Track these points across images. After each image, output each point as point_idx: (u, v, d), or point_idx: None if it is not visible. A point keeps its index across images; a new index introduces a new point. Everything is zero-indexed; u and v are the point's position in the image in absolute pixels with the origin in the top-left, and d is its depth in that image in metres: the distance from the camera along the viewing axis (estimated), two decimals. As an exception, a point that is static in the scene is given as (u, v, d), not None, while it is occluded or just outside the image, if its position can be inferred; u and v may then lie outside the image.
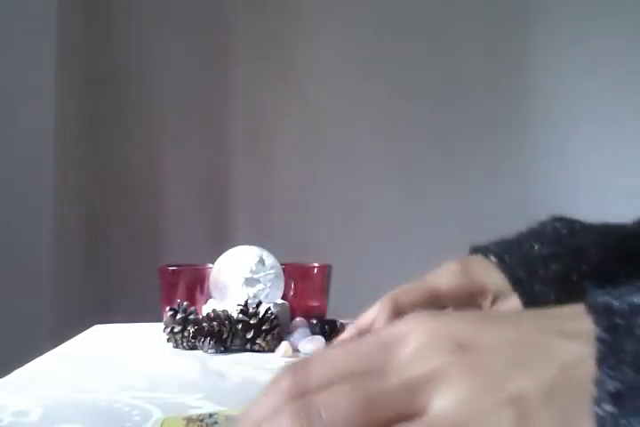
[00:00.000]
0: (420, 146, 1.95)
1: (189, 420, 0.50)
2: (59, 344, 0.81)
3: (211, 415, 0.51)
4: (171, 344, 0.81)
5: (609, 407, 0.24)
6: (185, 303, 0.84)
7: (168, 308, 0.84)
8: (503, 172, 1.93)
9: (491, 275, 0.58)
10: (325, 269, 0.95)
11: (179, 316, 0.81)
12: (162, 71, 1.91)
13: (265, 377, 0.66)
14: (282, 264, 0.91)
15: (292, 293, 0.92)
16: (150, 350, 0.80)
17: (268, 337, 0.78)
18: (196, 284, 0.93)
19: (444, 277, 0.59)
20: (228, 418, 0.50)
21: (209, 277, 0.90)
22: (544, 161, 1.92)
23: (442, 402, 0.25)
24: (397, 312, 0.58)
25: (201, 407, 0.54)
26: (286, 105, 1.96)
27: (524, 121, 1.96)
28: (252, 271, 0.89)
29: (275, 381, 0.27)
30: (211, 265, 0.91)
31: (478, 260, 0.60)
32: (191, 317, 0.82)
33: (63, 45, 1.66)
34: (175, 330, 0.80)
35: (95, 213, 1.87)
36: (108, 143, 1.89)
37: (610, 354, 0.24)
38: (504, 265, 0.58)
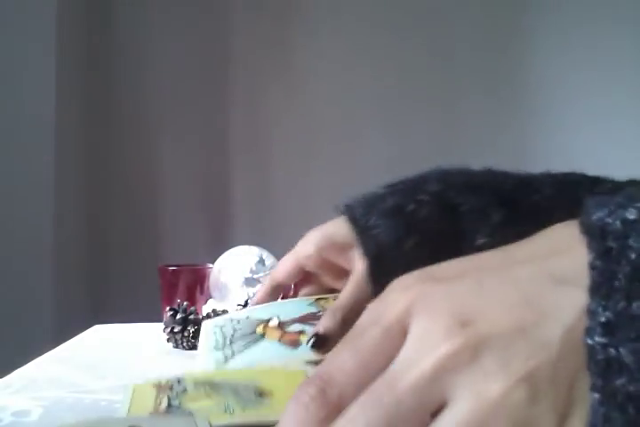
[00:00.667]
0: (421, 145, 1.95)
1: (159, 387, 0.50)
2: (59, 344, 0.81)
3: (179, 381, 0.51)
4: (171, 344, 0.81)
5: (599, 338, 0.23)
6: (185, 303, 0.84)
7: (168, 308, 0.84)
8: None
9: (340, 229, 0.60)
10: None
11: (179, 316, 0.81)
12: (162, 71, 1.91)
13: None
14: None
15: (291, 293, 0.92)
16: (150, 350, 0.80)
17: (268, 337, 0.78)
18: (196, 284, 0.93)
19: (307, 243, 0.63)
20: (196, 383, 0.50)
21: (209, 277, 0.90)
22: (544, 158, 1.92)
23: (459, 396, 0.24)
24: (276, 289, 0.66)
25: (201, 407, 0.54)
26: (286, 105, 1.96)
27: (522, 118, 1.96)
28: (251, 271, 0.89)
29: (294, 399, 0.26)
30: (211, 265, 0.91)
31: (334, 218, 0.62)
32: (191, 317, 0.82)
33: (64, 46, 1.66)
34: (175, 330, 0.80)
35: (95, 214, 1.87)
36: (109, 143, 1.89)
37: (603, 282, 0.24)
38: (348, 210, 0.59)
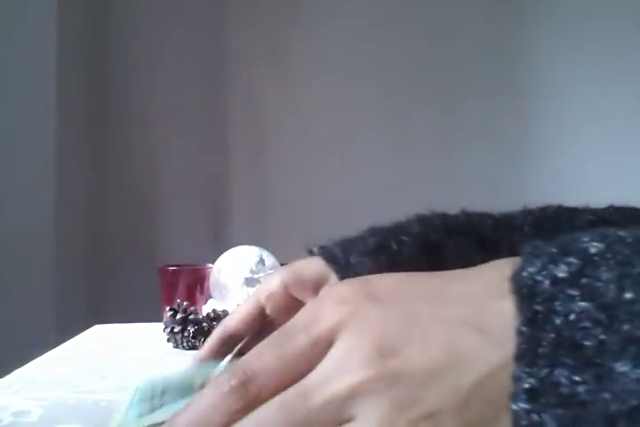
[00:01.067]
0: (420, 144, 1.95)
1: None
2: (59, 344, 0.81)
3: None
4: (171, 344, 0.81)
5: (523, 404, 0.24)
6: (185, 303, 0.84)
7: (168, 308, 0.84)
8: (501, 169, 1.93)
9: (310, 264, 0.54)
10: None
11: (179, 316, 0.81)
12: (161, 71, 1.91)
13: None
14: (282, 264, 0.91)
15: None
16: (150, 350, 0.80)
17: (268, 337, 0.78)
18: (196, 284, 0.93)
19: (271, 280, 0.55)
20: None
21: (209, 277, 0.90)
22: (541, 156, 1.92)
23: (363, 420, 0.25)
24: (227, 341, 0.54)
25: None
26: (286, 105, 1.96)
27: (521, 118, 1.96)
28: (252, 271, 0.89)
29: (213, 385, 0.28)
30: (211, 265, 0.91)
31: (303, 259, 0.57)
32: (191, 317, 0.82)
33: (64, 47, 1.66)
34: (175, 330, 0.80)
35: (95, 214, 1.87)
36: (109, 143, 1.89)
37: (527, 349, 0.25)
38: (322, 250, 0.55)
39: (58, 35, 1.63)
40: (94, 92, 1.87)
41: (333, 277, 0.52)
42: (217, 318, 0.79)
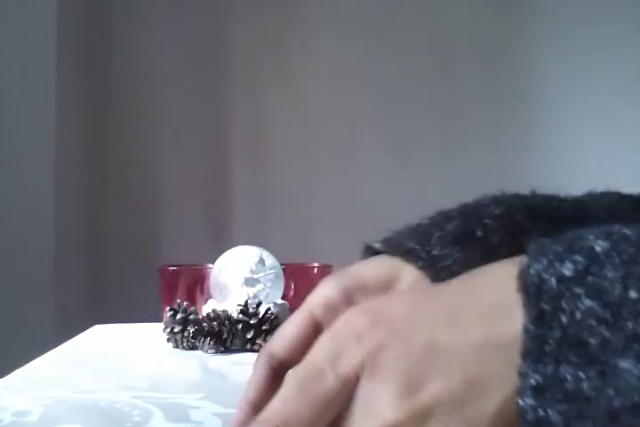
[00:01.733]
0: (420, 144, 1.95)
1: None
2: (58, 344, 0.81)
3: None
4: (171, 344, 0.81)
5: (529, 400, 0.25)
6: (185, 303, 0.84)
7: (168, 308, 0.84)
8: (502, 171, 1.93)
9: (369, 265, 0.45)
10: (325, 269, 0.95)
11: (179, 316, 0.81)
12: (161, 71, 1.91)
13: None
14: (282, 264, 0.91)
15: (292, 293, 0.92)
16: (150, 350, 0.80)
17: (268, 337, 0.78)
18: (196, 284, 0.93)
19: (326, 286, 0.45)
20: None
21: (209, 277, 0.90)
22: (543, 155, 1.92)
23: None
24: (278, 370, 0.42)
25: (201, 408, 0.54)
26: (287, 105, 1.96)
27: (522, 125, 1.96)
28: (252, 271, 0.89)
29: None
30: (211, 265, 0.91)
31: (360, 262, 0.47)
32: (191, 317, 0.82)
33: (63, 47, 1.66)
34: (175, 330, 0.80)
35: (95, 213, 1.87)
36: (109, 143, 1.89)
37: (534, 347, 0.25)
38: (391, 245, 0.45)
39: (58, 35, 1.63)
40: (94, 93, 1.87)
41: (406, 275, 0.43)
42: (217, 317, 0.79)
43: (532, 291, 0.26)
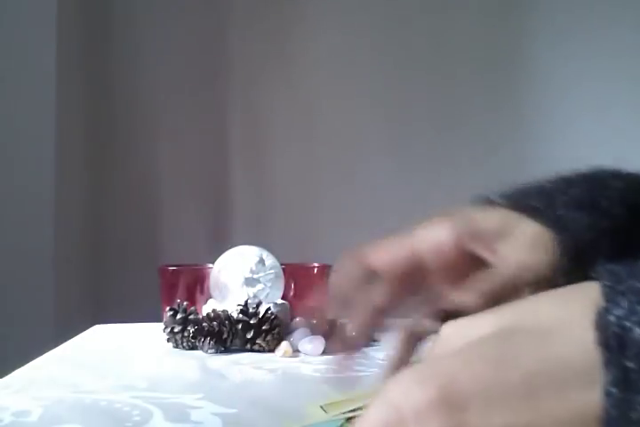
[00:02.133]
0: (420, 145, 1.95)
1: None
2: (59, 344, 0.82)
3: None
4: (171, 344, 0.81)
5: None
6: (185, 303, 0.84)
7: (168, 308, 0.84)
8: (503, 172, 1.93)
9: (487, 214, 0.43)
10: (325, 269, 0.95)
11: (179, 316, 0.81)
12: (161, 71, 1.91)
13: (265, 377, 0.66)
14: (282, 264, 0.91)
15: (292, 293, 0.92)
16: (150, 350, 0.80)
17: (268, 337, 0.78)
18: (196, 284, 0.93)
19: (438, 228, 0.43)
20: None
21: (209, 277, 0.90)
22: (543, 156, 1.92)
23: None
24: (364, 273, 0.43)
25: (201, 408, 0.54)
26: (286, 105, 1.96)
27: (522, 111, 1.96)
28: (252, 271, 0.89)
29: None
30: (211, 265, 0.91)
31: (473, 207, 0.45)
32: (191, 317, 0.82)
33: (64, 47, 1.66)
34: (175, 330, 0.80)
35: (95, 214, 1.87)
36: (108, 143, 1.89)
37: (617, 415, 0.22)
38: (513, 200, 0.44)
39: (57, 35, 1.63)
40: (94, 93, 1.87)
41: (526, 227, 0.41)
42: (217, 317, 0.79)
43: (613, 344, 0.22)
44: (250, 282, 0.89)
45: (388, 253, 0.42)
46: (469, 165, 1.94)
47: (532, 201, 0.43)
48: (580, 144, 1.91)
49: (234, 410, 0.54)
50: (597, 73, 1.91)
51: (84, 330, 0.92)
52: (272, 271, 0.89)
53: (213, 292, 0.89)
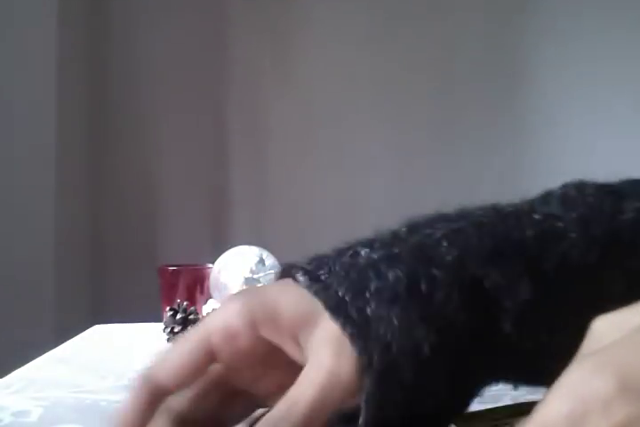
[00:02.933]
0: (420, 146, 1.95)
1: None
2: (59, 344, 0.81)
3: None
4: (171, 344, 0.81)
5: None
6: (185, 303, 0.84)
7: (168, 308, 0.84)
8: (502, 173, 1.93)
9: (287, 296, 0.36)
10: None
11: (179, 316, 0.81)
12: (161, 71, 1.91)
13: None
14: (281, 264, 0.91)
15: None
16: (150, 350, 0.80)
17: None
18: (196, 284, 0.92)
19: (230, 316, 0.35)
20: None
21: (209, 277, 0.90)
22: (542, 156, 1.92)
23: None
24: (156, 399, 0.36)
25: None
26: (286, 104, 1.96)
27: (521, 112, 1.96)
28: (251, 271, 0.88)
29: None
30: (211, 265, 0.91)
31: (281, 289, 0.37)
32: (191, 317, 0.81)
33: (64, 47, 1.66)
34: (175, 330, 0.80)
35: (95, 214, 1.87)
36: (109, 143, 1.89)
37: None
38: (316, 286, 0.35)
39: (57, 34, 1.63)
40: (94, 94, 1.87)
41: (324, 320, 0.34)
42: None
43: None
44: (250, 282, 0.89)
45: (176, 366, 0.36)
46: (469, 166, 1.94)
47: (340, 290, 0.34)
48: (579, 147, 1.91)
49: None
50: (598, 75, 1.91)
51: (84, 330, 0.92)
52: (272, 271, 0.89)
53: (213, 292, 0.89)
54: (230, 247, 0.92)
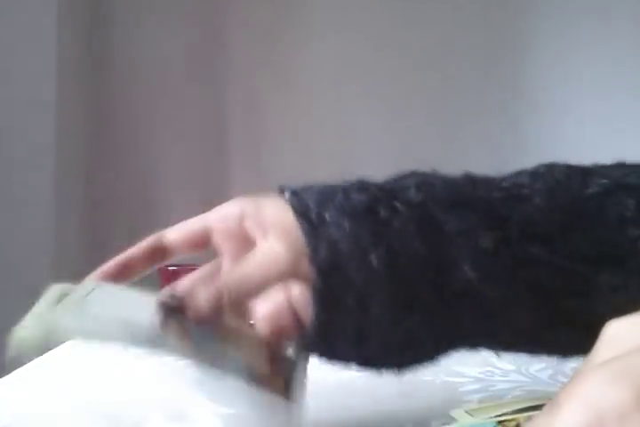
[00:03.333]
0: (420, 145, 1.95)
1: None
2: (58, 344, 0.81)
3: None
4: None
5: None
6: (185, 303, 0.84)
7: (168, 308, 0.83)
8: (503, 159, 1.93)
9: (275, 205, 0.45)
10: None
11: (179, 316, 0.81)
12: (161, 68, 1.91)
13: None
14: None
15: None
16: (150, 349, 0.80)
17: (268, 337, 0.78)
18: (196, 284, 0.92)
19: (229, 206, 0.48)
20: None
21: (209, 277, 0.90)
22: (542, 156, 1.92)
23: None
24: (157, 252, 0.50)
25: (202, 407, 0.54)
26: (287, 103, 1.96)
27: (521, 111, 1.96)
28: (251, 271, 0.88)
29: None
30: (210, 265, 0.91)
31: (272, 198, 0.47)
32: (191, 317, 0.81)
33: (63, 46, 1.66)
34: (175, 330, 0.80)
35: (95, 213, 1.87)
36: (108, 142, 1.89)
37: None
38: (293, 198, 0.44)
39: (57, 34, 1.63)
40: (94, 91, 1.87)
41: (296, 228, 0.41)
42: (217, 318, 0.79)
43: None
44: (250, 282, 0.88)
45: (183, 234, 0.49)
46: (470, 164, 1.93)
47: (305, 199, 0.43)
48: (581, 143, 1.91)
49: (234, 410, 0.54)
50: (598, 68, 1.91)
51: (84, 330, 0.92)
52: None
53: (213, 292, 0.89)
54: (230, 247, 0.92)
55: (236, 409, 0.53)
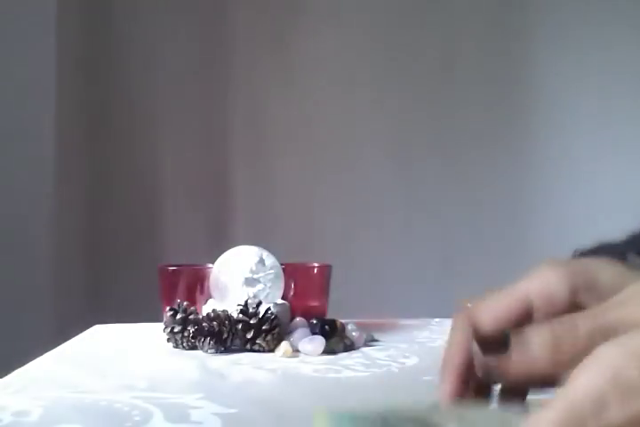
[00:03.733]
0: (420, 147, 1.95)
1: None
2: (59, 344, 0.81)
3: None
4: (171, 344, 0.81)
5: None
6: (185, 303, 0.84)
7: (168, 308, 0.84)
8: (502, 171, 1.93)
9: (604, 265, 0.39)
10: (325, 269, 0.95)
11: (179, 316, 0.81)
12: (162, 70, 1.91)
13: (265, 377, 0.66)
14: (282, 264, 0.91)
15: (292, 293, 0.92)
16: (150, 350, 0.80)
17: (268, 337, 0.78)
18: (196, 284, 0.92)
19: (549, 279, 0.39)
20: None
21: (209, 277, 0.90)
22: (545, 165, 1.92)
23: None
24: (478, 338, 0.39)
25: (202, 407, 0.54)
26: (287, 105, 1.96)
27: (524, 124, 1.96)
28: (251, 271, 0.88)
29: None
30: (211, 265, 0.91)
31: (590, 260, 0.41)
32: (191, 317, 0.81)
33: (63, 45, 1.66)
34: (175, 330, 0.80)
35: (95, 214, 1.87)
36: (109, 143, 1.89)
37: None
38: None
39: (57, 34, 1.63)
40: (95, 92, 1.87)
41: (634, 286, 0.36)
42: (217, 317, 0.79)
43: None
44: (250, 282, 0.88)
45: (497, 310, 0.39)
46: (469, 166, 1.94)
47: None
48: (578, 146, 1.91)
49: (234, 410, 0.54)
50: (599, 72, 1.91)
51: (84, 330, 0.92)
52: (272, 271, 0.89)
53: (213, 292, 0.89)
54: (230, 247, 0.92)
55: (236, 409, 0.53)
